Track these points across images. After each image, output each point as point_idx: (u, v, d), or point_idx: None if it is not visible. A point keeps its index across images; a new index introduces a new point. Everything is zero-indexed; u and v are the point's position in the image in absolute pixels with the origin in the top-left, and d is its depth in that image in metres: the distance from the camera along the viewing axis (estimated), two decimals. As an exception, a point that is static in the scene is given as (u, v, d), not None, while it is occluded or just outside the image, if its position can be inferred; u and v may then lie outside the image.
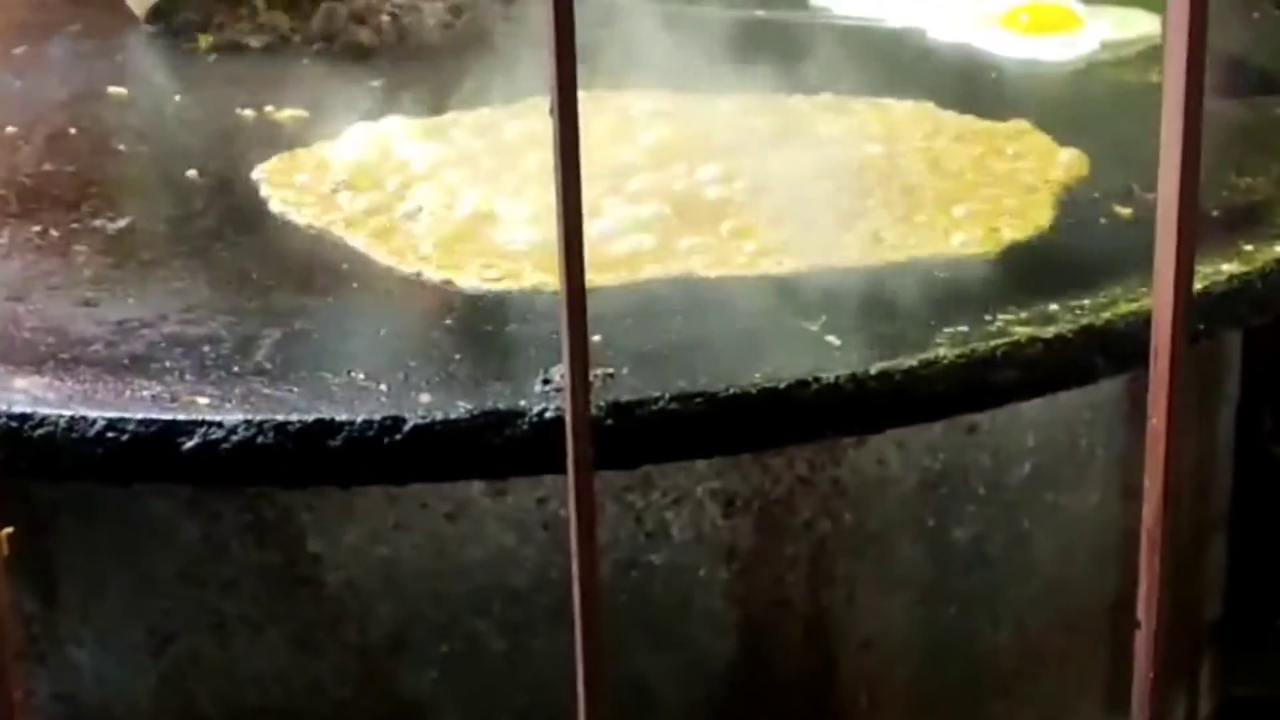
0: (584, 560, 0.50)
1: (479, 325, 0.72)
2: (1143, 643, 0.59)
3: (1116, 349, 0.68)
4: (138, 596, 0.73)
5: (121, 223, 0.84)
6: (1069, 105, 0.99)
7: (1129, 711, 0.56)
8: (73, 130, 0.99)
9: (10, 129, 0.99)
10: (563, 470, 0.50)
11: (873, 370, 0.65)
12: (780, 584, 0.74)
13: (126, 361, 0.69)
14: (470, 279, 0.75)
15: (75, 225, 0.84)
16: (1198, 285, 0.72)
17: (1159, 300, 0.52)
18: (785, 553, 0.74)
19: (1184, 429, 0.55)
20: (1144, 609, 0.59)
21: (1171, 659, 0.93)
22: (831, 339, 0.68)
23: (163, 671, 0.74)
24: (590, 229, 0.77)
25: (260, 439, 0.63)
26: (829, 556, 0.75)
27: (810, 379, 0.65)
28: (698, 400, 0.64)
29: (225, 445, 0.63)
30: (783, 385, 0.65)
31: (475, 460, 0.64)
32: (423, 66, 1.05)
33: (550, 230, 0.79)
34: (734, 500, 0.72)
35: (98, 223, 0.84)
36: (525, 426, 0.63)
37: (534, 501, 0.71)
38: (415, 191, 0.83)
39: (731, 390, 0.64)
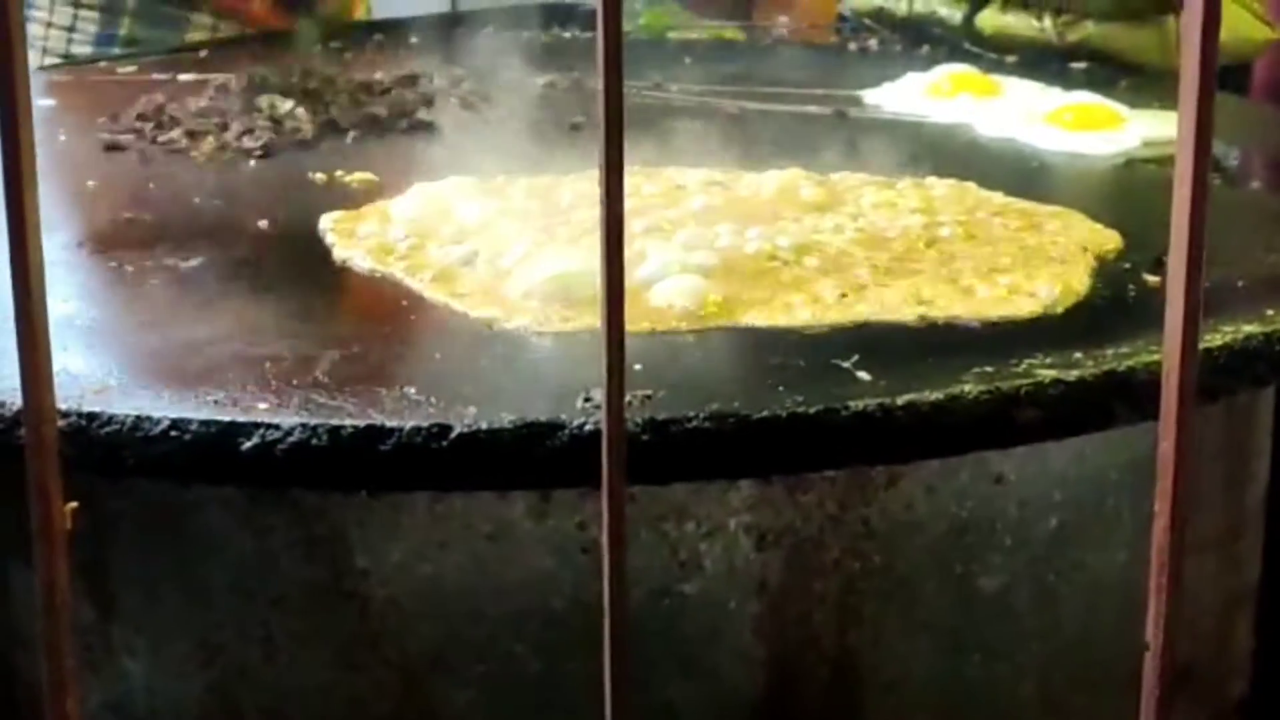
0: (614, 562, 0.52)
1: (527, 357, 0.76)
2: (1151, 664, 0.61)
3: (1137, 395, 0.71)
4: (191, 608, 0.76)
5: (193, 262, 0.88)
6: (1107, 191, 1.02)
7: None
8: (151, 185, 1.03)
9: (91, 183, 1.04)
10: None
11: (899, 401, 0.68)
12: (808, 621, 0.76)
13: (191, 374, 0.73)
14: (521, 319, 0.79)
15: (148, 264, 0.88)
16: (1219, 341, 0.74)
17: (1170, 313, 0.54)
18: (814, 590, 0.76)
19: (1193, 451, 0.57)
20: (1152, 630, 0.61)
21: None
22: (863, 374, 0.71)
23: (210, 682, 0.76)
24: (637, 272, 0.81)
25: (315, 441, 0.66)
26: (857, 596, 0.77)
27: (840, 406, 0.68)
28: (731, 420, 0.67)
29: (281, 447, 0.66)
30: (813, 410, 0.67)
31: (518, 470, 0.67)
32: (485, 140, 1.10)
33: (600, 275, 0.82)
34: (766, 535, 0.75)
35: (170, 261, 0.88)
36: (566, 438, 0.66)
37: (574, 526, 0.73)
38: (471, 241, 0.87)
39: (764, 413, 0.67)
